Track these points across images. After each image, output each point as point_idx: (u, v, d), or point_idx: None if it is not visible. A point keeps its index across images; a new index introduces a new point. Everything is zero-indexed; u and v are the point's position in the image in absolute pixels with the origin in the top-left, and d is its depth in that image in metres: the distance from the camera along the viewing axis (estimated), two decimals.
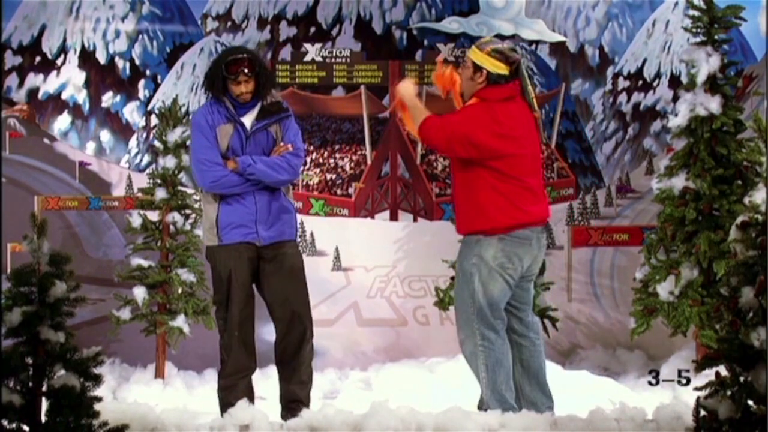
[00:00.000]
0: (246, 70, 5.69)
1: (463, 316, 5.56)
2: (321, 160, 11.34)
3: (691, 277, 7.74)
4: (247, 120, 5.79)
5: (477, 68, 5.50)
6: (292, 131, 5.85)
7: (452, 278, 8.76)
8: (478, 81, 5.51)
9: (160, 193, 8.36)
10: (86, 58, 11.39)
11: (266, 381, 6.84)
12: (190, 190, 8.65)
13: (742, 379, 3.91)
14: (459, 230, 5.69)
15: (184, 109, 8.70)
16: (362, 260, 10.23)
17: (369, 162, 11.20)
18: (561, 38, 11.35)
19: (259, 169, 5.71)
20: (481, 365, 5.50)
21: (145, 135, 11.37)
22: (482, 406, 5.55)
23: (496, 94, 5.48)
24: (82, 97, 11.41)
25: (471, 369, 5.58)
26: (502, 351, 5.51)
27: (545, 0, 11.53)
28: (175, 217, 8.39)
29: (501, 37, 11.10)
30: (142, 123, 11.39)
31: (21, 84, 11.35)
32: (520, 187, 5.49)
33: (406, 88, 5.70)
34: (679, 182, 7.82)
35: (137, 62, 11.47)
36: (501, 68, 5.48)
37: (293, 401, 5.70)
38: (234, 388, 5.74)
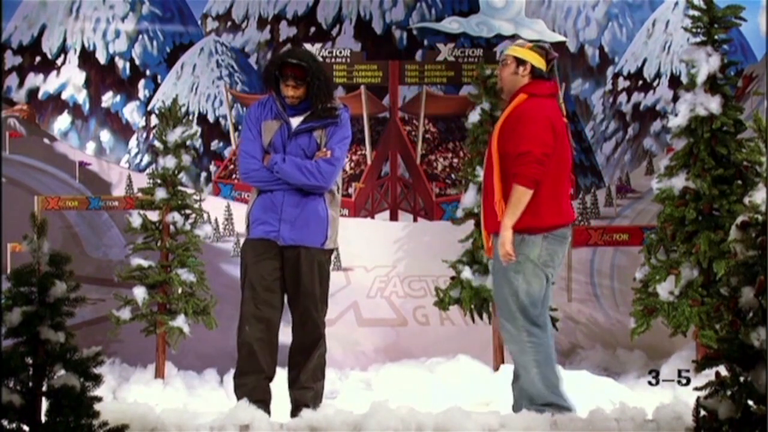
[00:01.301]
0: (295, 76, 5.64)
1: (505, 315, 5.58)
2: None
3: (691, 277, 7.74)
4: (295, 121, 5.75)
5: (520, 62, 5.64)
6: (336, 139, 5.75)
7: (452, 278, 8.76)
8: (522, 75, 5.64)
9: (160, 193, 8.36)
10: (86, 58, 11.39)
11: None
12: (190, 190, 8.65)
13: (742, 379, 3.91)
14: (490, 229, 5.63)
15: (184, 109, 8.69)
16: (362, 260, 10.21)
17: (369, 162, 11.19)
18: (561, 38, 11.34)
19: (284, 169, 5.66)
20: (531, 362, 5.50)
21: (145, 135, 11.37)
22: (518, 408, 5.49)
23: (544, 89, 5.62)
24: (82, 97, 11.41)
25: (518, 366, 5.58)
26: (549, 345, 5.56)
27: (545, 0, 11.53)
28: (175, 217, 8.39)
29: (501, 37, 11.13)
30: (142, 123, 11.39)
31: (21, 84, 11.35)
32: (560, 186, 5.58)
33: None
34: (679, 182, 7.82)
35: (137, 62, 11.47)
36: (542, 63, 5.65)
37: (298, 406, 5.66)
38: (243, 388, 5.69)
